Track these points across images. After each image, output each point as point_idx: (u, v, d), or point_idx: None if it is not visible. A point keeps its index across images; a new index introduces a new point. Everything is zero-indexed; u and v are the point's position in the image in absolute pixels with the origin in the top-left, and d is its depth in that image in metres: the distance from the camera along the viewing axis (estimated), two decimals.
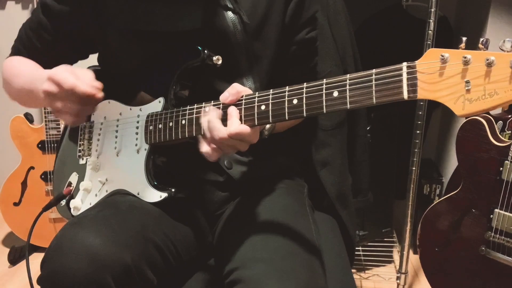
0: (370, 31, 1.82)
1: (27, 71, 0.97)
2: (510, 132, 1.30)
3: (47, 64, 0.93)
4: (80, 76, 0.85)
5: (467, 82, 0.56)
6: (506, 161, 1.20)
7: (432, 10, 1.33)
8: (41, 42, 0.99)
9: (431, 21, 1.33)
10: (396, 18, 1.83)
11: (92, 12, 0.93)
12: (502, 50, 0.57)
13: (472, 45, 0.60)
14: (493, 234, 1.25)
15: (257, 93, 0.75)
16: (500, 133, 1.27)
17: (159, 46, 0.90)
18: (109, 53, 0.99)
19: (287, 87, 0.72)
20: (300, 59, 0.99)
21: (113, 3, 0.90)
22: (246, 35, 0.89)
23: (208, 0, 0.88)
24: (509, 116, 1.30)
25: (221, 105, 0.78)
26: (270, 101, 0.73)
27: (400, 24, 1.82)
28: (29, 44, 1.01)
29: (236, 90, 0.76)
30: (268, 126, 0.83)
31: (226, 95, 0.77)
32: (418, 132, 1.43)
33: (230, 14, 0.89)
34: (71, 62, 1.03)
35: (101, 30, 0.94)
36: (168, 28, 0.89)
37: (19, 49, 1.04)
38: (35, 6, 1.75)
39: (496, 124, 1.28)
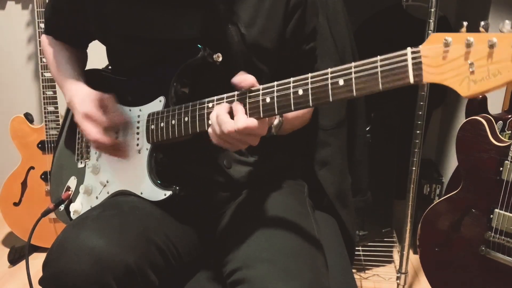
0: (370, 31, 1.82)
1: (55, 71, 1.04)
2: (510, 132, 1.30)
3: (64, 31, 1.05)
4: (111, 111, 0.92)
5: (471, 64, 0.57)
6: (506, 161, 1.20)
7: (432, 10, 1.33)
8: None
9: (431, 21, 1.33)
10: (396, 18, 1.83)
11: (93, 15, 0.93)
12: (502, 31, 0.58)
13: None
14: (493, 234, 1.25)
15: (261, 86, 0.75)
16: (500, 133, 1.27)
17: (158, 51, 0.91)
18: (110, 50, 1.01)
19: (292, 78, 0.72)
20: (300, 68, 0.99)
21: (113, 8, 0.91)
22: (244, 46, 0.89)
23: (207, 9, 0.88)
24: (509, 116, 1.30)
25: (225, 101, 0.78)
26: (275, 93, 0.73)
27: (400, 24, 1.82)
28: (49, 15, 1.06)
29: (245, 76, 0.77)
30: (276, 122, 0.83)
31: (239, 79, 0.77)
32: (418, 132, 1.43)
33: (228, 25, 0.88)
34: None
35: (101, 32, 0.95)
36: (167, 36, 0.90)
37: (46, 22, 1.09)
38: (35, 6, 1.74)
39: (496, 124, 1.28)
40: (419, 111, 1.42)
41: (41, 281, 0.76)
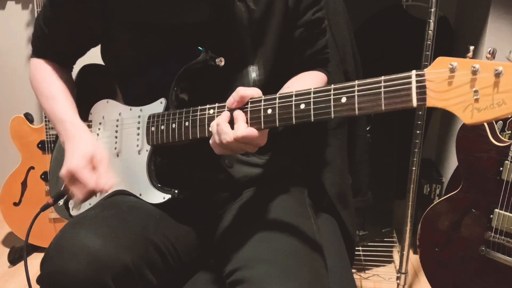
0: (370, 31, 1.83)
1: (49, 107, 0.98)
2: (510, 132, 1.30)
3: (57, 48, 0.99)
4: (101, 175, 0.86)
5: (476, 91, 0.57)
6: (506, 161, 1.20)
7: (432, 10, 1.33)
8: (49, 30, 0.99)
9: (431, 21, 1.33)
10: (396, 18, 1.83)
11: (97, 4, 0.92)
12: (509, 60, 0.58)
13: (472, 44, 0.60)
14: (493, 234, 1.25)
15: (263, 97, 0.75)
16: (500, 133, 1.27)
17: (165, 41, 0.90)
18: (113, 47, 0.98)
19: (294, 91, 0.72)
20: (308, 40, 0.98)
21: None
22: (252, 22, 0.89)
23: None
24: (509, 116, 1.30)
25: (226, 109, 0.78)
26: (277, 105, 0.73)
27: (400, 24, 1.82)
28: (40, 33, 1.00)
29: (240, 95, 0.76)
30: None
31: (232, 101, 0.76)
32: (418, 132, 1.43)
33: (236, 2, 0.88)
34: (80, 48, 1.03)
35: (106, 23, 0.93)
36: (175, 21, 0.89)
37: (35, 43, 1.03)
38: (35, 6, 1.74)
39: (496, 124, 1.28)
40: (419, 111, 1.42)
41: (38, 280, 0.76)
